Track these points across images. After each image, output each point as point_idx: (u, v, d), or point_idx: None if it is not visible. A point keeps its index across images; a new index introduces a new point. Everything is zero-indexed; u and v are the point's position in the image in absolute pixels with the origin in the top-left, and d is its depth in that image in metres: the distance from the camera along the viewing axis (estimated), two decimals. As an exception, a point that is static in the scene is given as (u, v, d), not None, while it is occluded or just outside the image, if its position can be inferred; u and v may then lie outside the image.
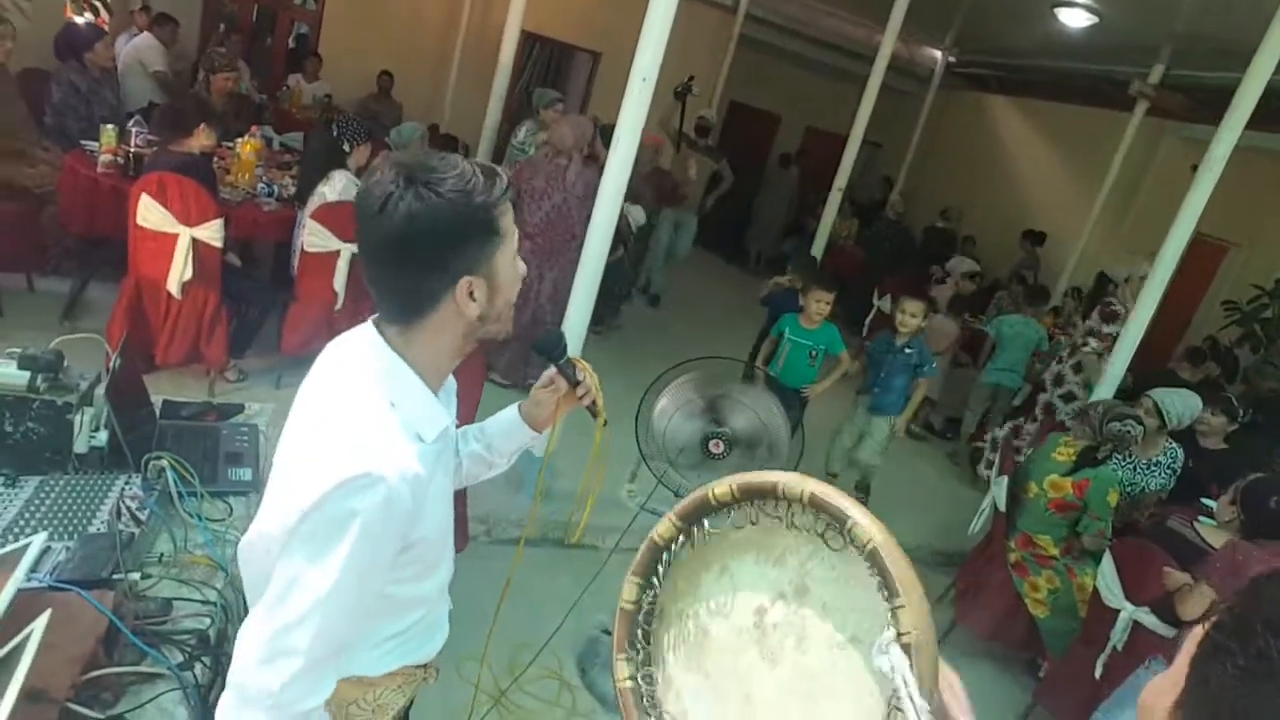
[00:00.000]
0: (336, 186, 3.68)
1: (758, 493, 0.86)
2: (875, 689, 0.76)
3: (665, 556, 0.93)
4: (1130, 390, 4.72)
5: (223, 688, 1.43)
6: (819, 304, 4.02)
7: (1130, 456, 3.68)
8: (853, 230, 9.28)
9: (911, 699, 0.69)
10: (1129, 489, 3.69)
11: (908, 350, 4.10)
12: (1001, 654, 3.64)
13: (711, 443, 2.52)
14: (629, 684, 0.93)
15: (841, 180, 6.63)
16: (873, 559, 0.76)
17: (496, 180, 1.04)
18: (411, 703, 1.36)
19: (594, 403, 1.40)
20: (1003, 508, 3.51)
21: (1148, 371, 5.34)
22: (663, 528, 0.92)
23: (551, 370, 1.39)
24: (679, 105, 6.83)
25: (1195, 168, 3.90)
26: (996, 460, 3.86)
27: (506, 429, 1.43)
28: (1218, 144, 3.85)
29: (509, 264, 1.10)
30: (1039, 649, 3.43)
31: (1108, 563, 2.94)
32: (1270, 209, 6.92)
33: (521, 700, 2.57)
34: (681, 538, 0.92)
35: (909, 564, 0.76)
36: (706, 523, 0.90)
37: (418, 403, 1.08)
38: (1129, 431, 3.32)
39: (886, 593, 0.75)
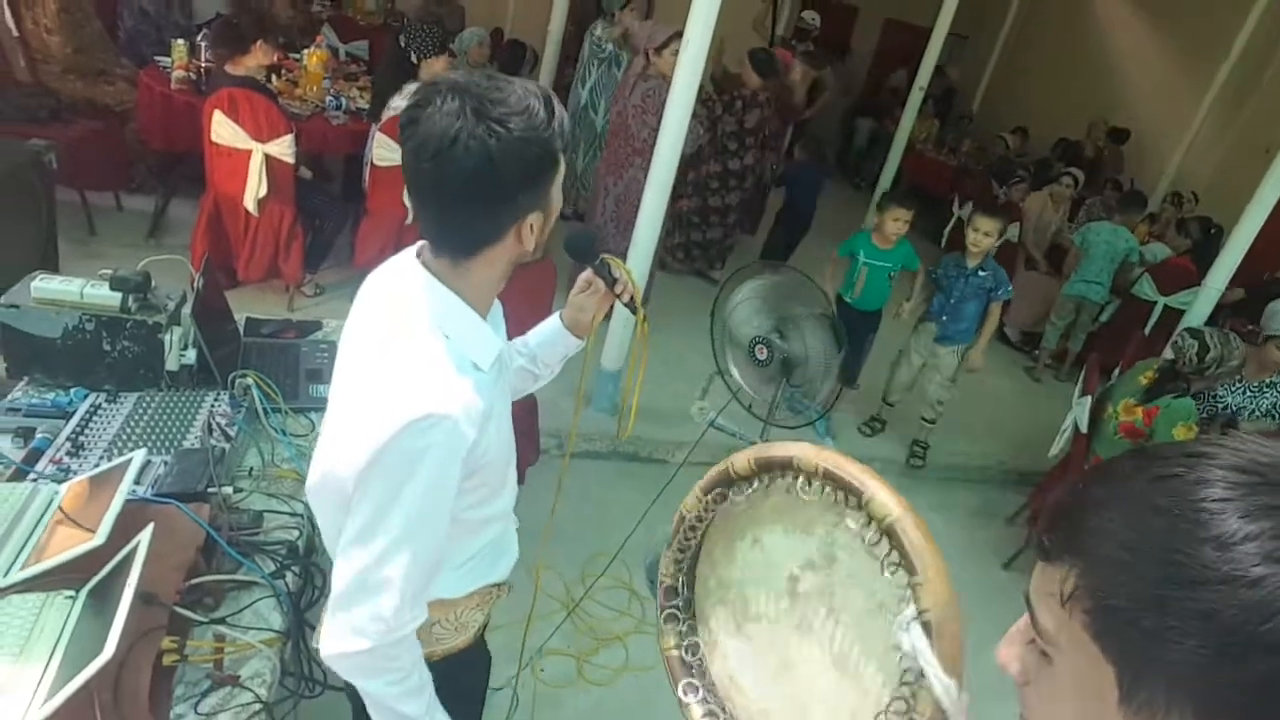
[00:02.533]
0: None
1: (775, 465, 0.87)
2: (901, 658, 0.75)
3: (696, 530, 0.96)
4: (1241, 303, 4.42)
5: (312, 595, 1.53)
6: (896, 222, 3.70)
7: (1235, 381, 3.39)
8: (932, 132, 8.77)
9: (936, 677, 0.69)
10: (1233, 411, 3.44)
11: (981, 273, 3.69)
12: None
13: (757, 347, 2.49)
14: (674, 653, 0.98)
15: (924, 78, 6.25)
16: (889, 534, 0.75)
17: (555, 107, 1.01)
18: (489, 618, 1.41)
19: (632, 299, 1.38)
20: (1084, 428, 3.39)
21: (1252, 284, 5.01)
22: (690, 502, 0.95)
23: (588, 272, 1.37)
24: (769, 6, 6.47)
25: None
26: (1080, 378, 3.71)
27: (550, 339, 1.43)
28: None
29: (557, 193, 1.09)
30: None
31: None
32: None
33: (593, 609, 2.67)
34: (708, 511, 0.94)
35: (928, 538, 0.74)
36: (731, 494, 0.92)
37: (471, 333, 1.09)
38: (1179, 344, 3.13)
39: (905, 569, 0.74)
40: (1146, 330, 5.15)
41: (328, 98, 4.20)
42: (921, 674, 0.71)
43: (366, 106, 4.28)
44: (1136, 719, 0.50)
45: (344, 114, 4.14)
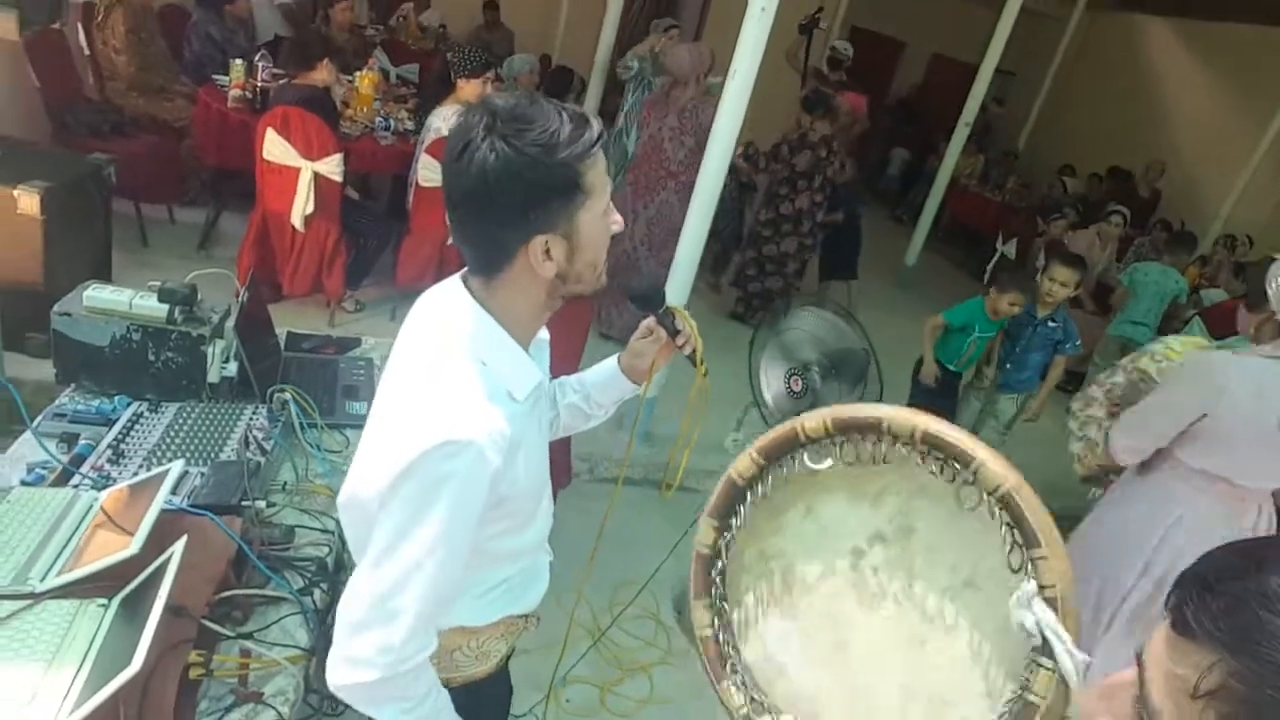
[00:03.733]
0: (450, 120, 3.70)
1: (856, 427, 0.79)
2: (996, 633, 0.70)
3: (748, 496, 0.88)
4: None
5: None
6: (1013, 306, 3.49)
7: None
8: (977, 168, 8.70)
9: (1070, 654, 0.64)
10: None
11: (1051, 323, 3.59)
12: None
13: (793, 378, 2.46)
14: (709, 632, 0.91)
15: (970, 115, 6.21)
16: (1006, 504, 0.69)
17: (586, 132, 0.98)
18: (513, 649, 1.39)
19: (694, 352, 1.35)
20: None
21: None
22: (743, 464, 0.87)
23: (650, 320, 1.35)
24: (804, 40, 6.50)
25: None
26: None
27: (605, 381, 1.41)
28: None
29: (595, 222, 1.04)
30: None
31: None
32: None
33: (619, 638, 2.63)
34: (765, 476, 0.87)
35: (1046, 510, 0.69)
36: (794, 459, 0.84)
37: (508, 361, 1.07)
38: None
39: (1023, 542, 0.68)
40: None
41: (377, 119, 4.29)
42: (1042, 651, 0.66)
43: (414, 128, 4.36)
44: None
45: (392, 135, 4.22)
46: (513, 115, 0.96)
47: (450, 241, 3.85)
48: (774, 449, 0.85)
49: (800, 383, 2.40)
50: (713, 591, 0.90)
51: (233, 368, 1.85)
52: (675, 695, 2.58)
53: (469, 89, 3.84)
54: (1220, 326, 5.03)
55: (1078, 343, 3.68)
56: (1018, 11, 5.85)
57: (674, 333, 1.33)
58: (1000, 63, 6.08)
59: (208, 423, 1.73)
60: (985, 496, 0.70)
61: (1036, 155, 9.52)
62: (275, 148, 3.45)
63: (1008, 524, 0.69)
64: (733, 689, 0.86)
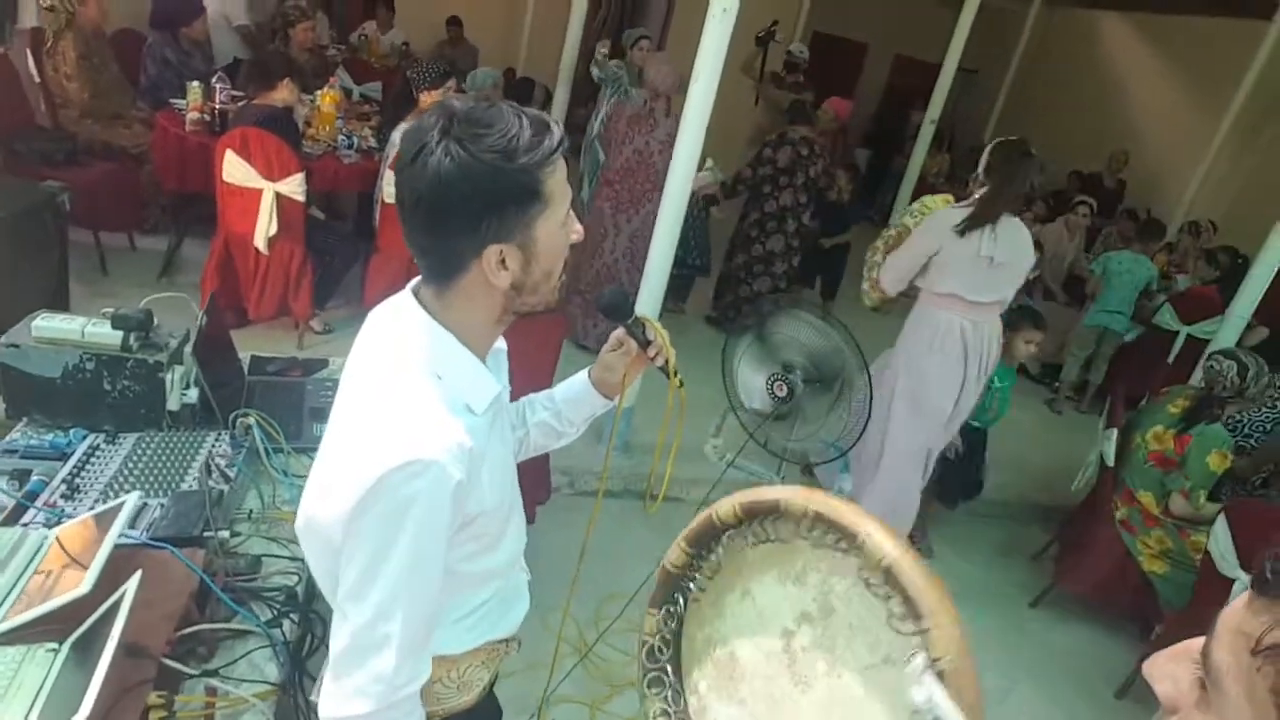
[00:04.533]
0: (412, 134, 3.66)
1: (761, 511, 0.82)
2: (908, 709, 0.69)
3: (686, 584, 0.92)
4: (1265, 343, 4.35)
5: (312, 644, 1.47)
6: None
7: (1266, 405, 3.29)
8: (944, 167, 8.77)
9: None
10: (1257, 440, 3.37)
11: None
12: (1100, 618, 3.46)
13: (775, 385, 2.43)
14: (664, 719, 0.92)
15: (934, 111, 6.25)
16: (888, 577, 0.69)
17: (546, 138, 0.94)
18: (496, 676, 1.33)
19: (666, 363, 1.31)
20: (1111, 462, 3.29)
21: (1274, 314, 4.91)
22: (674, 555, 0.91)
23: (620, 331, 1.31)
24: (761, 52, 6.53)
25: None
26: (1106, 411, 3.62)
27: (576, 397, 1.36)
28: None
29: (554, 232, 1.00)
30: (1151, 612, 3.22)
31: (1221, 525, 2.71)
32: None
33: (605, 653, 2.58)
34: (696, 564, 0.90)
35: (933, 580, 0.68)
36: (723, 542, 0.88)
37: (464, 373, 1.03)
38: (1213, 367, 3.04)
39: (911, 616, 0.68)
40: (1170, 359, 5.06)
41: (340, 137, 4.23)
42: None
43: (378, 145, 4.31)
44: None
45: (355, 153, 4.16)
46: (470, 119, 0.92)
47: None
48: (697, 537, 0.88)
49: (785, 387, 2.36)
50: (665, 680, 0.93)
51: (193, 394, 1.79)
52: (666, 709, 2.53)
53: (430, 100, 3.80)
54: (1190, 312, 5.10)
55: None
56: (977, 9, 5.91)
57: (644, 343, 1.29)
58: (962, 61, 6.13)
59: (168, 452, 1.66)
60: (872, 570, 0.71)
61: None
62: (235, 169, 3.38)
63: (895, 594, 0.69)
64: None
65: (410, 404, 0.97)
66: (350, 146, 4.16)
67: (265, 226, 3.42)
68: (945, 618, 0.67)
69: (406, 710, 1.04)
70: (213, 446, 1.69)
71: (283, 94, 3.67)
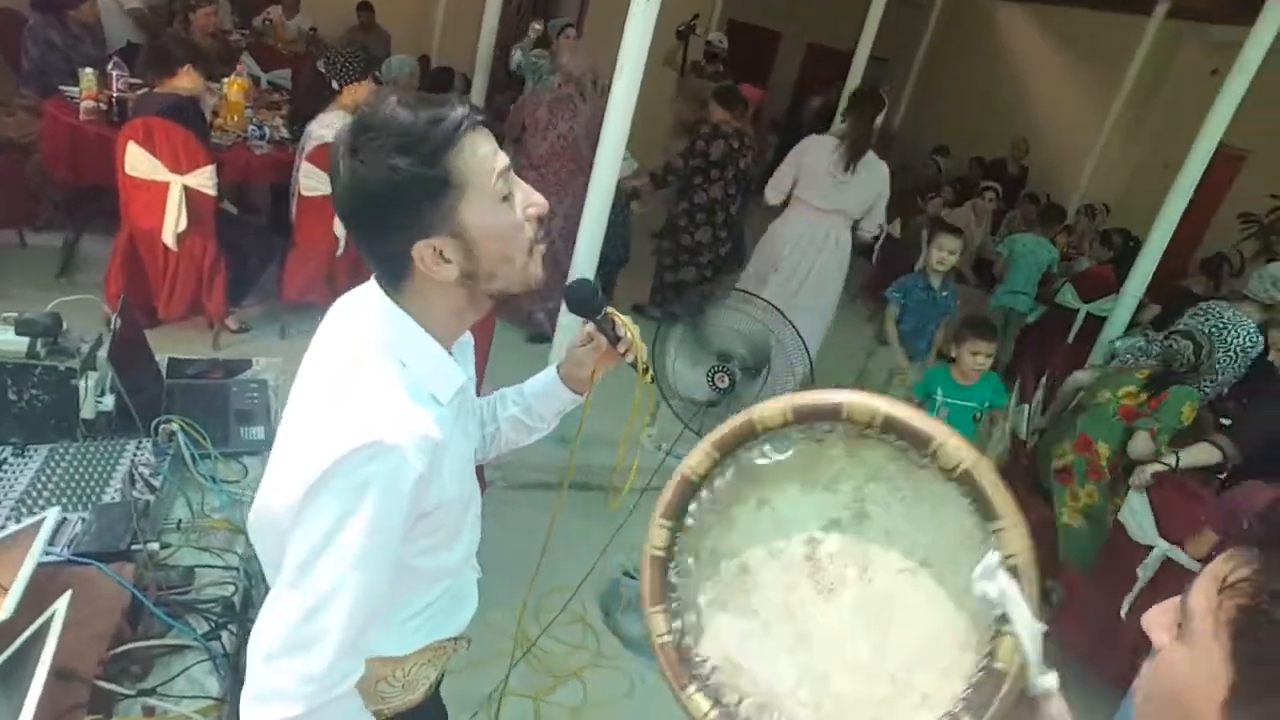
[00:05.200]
0: (333, 128, 3.54)
1: (816, 415, 0.78)
2: (955, 608, 0.72)
3: (701, 494, 0.84)
4: (1158, 318, 4.61)
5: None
6: (975, 356, 3.24)
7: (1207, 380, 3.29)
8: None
9: (1027, 624, 0.66)
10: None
11: (944, 293, 3.76)
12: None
13: (716, 377, 2.47)
14: (668, 639, 0.85)
15: (845, 100, 6.40)
16: (966, 481, 0.71)
17: (442, 122, 0.91)
18: (443, 674, 1.32)
19: (637, 359, 1.31)
20: (1023, 436, 3.46)
21: (1164, 290, 5.25)
22: (696, 460, 0.83)
23: (589, 325, 1.29)
24: (682, 45, 6.57)
25: (1215, 72, 3.74)
26: (1016, 387, 3.80)
27: (545, 391, 1.35)
28: (1250, 46, 3.68)
29: (486, 213, 0.96)
30: (1052, 571, 3.36)
31: (1138, 498, 2.85)
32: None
33: (548, 645, 2.58)
34: (719, 470, 0.83)
35: (1004, 484, 0.71)
36: (752, 450, 0.81)
37: (429, 362, 1.01)
38: (1172, 347, 3.16)
39: (984, 515, 0.70)
40: (1071, 337, 5.35)
41: (250, 127, 4.06)
42: (1003, 620, 0.67)
43: (290, 135, 4.16)
44: None
45: (268, 143, 4.01)
46: (362, 127, 0.92)
47: (340, 253, 3.69)
48: (729, 441, 0.81)
49: (726, 378, 2.40)
50: (669, 596, 0.85)
51: (110, 401, 1.70)
52: (609, 698, 2.55)
53: (350, 94, 3.69)
54: (1089, 291, 5.40)
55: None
56: (885, -3, 6.08)
57: (614, 339, 1.28)
58: (873, 49, 6.29)
59: (86, 463, 1.58)
60: (944, 475, 0.72)
61: (912, 137, 9.93)
62: (139, 162, 3.20)
63: (970, 499, 0.71)
64: (698, 696, 0.81)
65: (373, 389, 0.95)
66: (262, 137, 3.99)
67: (174, 222, 3.26)
68: (1016, 518, 0.69)
69: (340, 709, 0.98)
70: (135, 455, 1.62)
71: (186, 81, 3.48)
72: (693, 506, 0.84)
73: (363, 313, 1.03)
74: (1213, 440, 2.92)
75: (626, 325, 1.30)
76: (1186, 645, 0.54)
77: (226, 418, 1.88)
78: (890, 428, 0.75)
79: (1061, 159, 8.39)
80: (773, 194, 4.15)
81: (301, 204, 3.60)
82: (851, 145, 3.85)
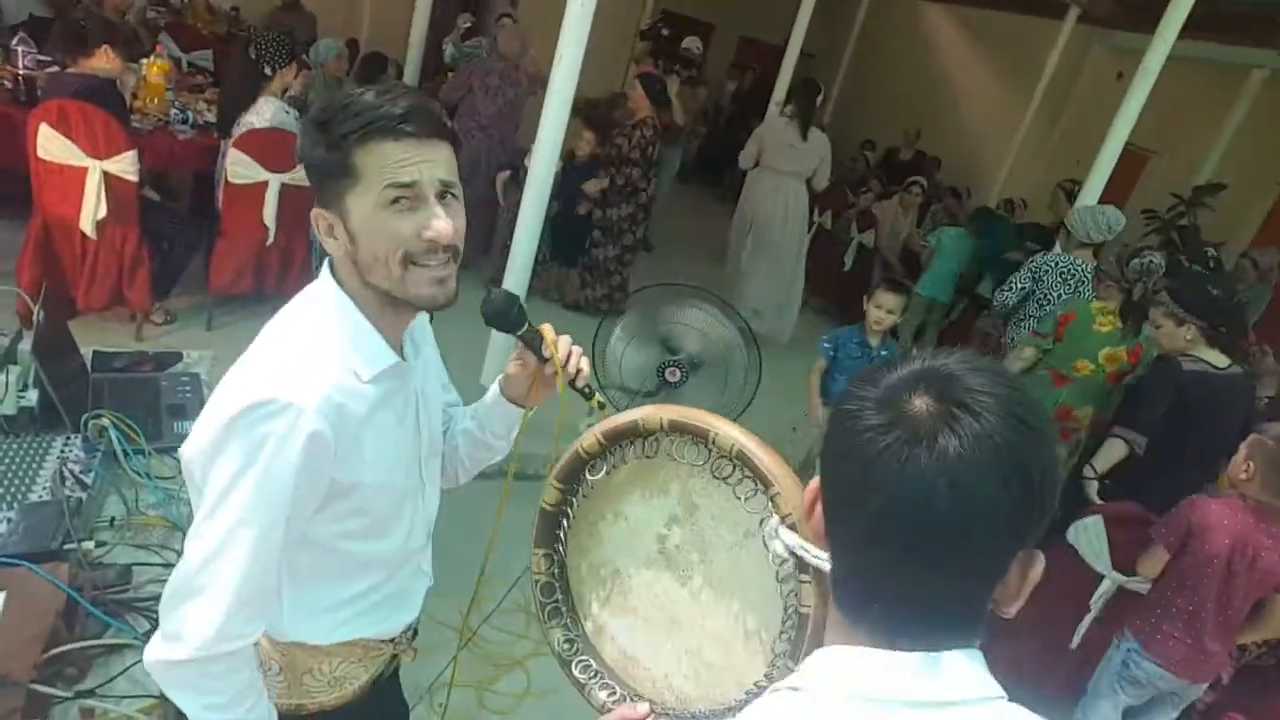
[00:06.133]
0: (265, 114, 3.45)
1: (622, 434, 0.91)
2: (769, 571, 0.82)
3: (562, 519, 0.99)
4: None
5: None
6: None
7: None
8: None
9: (817, 557, 0.74)
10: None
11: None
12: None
13: (667, 371, 2.52)
14: (566, 647, 1.00)
15: (780, 93, 6.51)
16: (741, 460, 0.83)
17: (362, 113, 0.94)
18: (381, 675, 1.28)
19: (584, 382, 1.19)
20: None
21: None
22: (549, 494, 0.98)
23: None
24: (649, 45, 6.56)
25: (1120, 76, 3.93)
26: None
27: (490, 406, 1.29)
28: (1152, 52, 3.89)
29: (368, 213, 0.97)
30: None
31: (1096, 524, 2.73)
32: (1189, 117, 7.09)
33: (489, 634, 2.59)
34: (568, 499, 0.98)
35: (774, 454, 0.82)
36: (588, 476, 0.95)
37: (355, 336, 1.03)
38: (1151, 261, 3.17)
39: (761, 485, 0.82)
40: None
41: (172, 111, 3.91)
42: (799, 567, 0.77)
43: (215, 120, 4.02)
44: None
45: (191, 128, 3.86)
46: (320, 101, 1.01)
47: (269, 243, 3.60)
48: (568, 472, 0.96)
49: (677, 372, 2.45)
50: (562, 611, 1.01)
51: (33, 396, 1.64)
52: (553, 684, 2.57)
53: (280, 80, 3.59)
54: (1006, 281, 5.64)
55: None
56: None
57: (542, 359, 1.18)
58: (803, 45, 6.41)
59: (8, 461, 1.53)
60: (727, 459, 0.84)
61: (840, 132, 10.15)
62: (53, 145, 3.05)
63: (746, 475, 0.83)
64: (596, 689, 0.96)
65: (286, 350, 0.99)
66: (185, 121, 3.85)
67: (92, 209, 3.12)
68: (786, 480, 0.80)
69: (227, 669, 1.00)
70: (63, 451, 1.56)
71: (102, 62, 3.30)
72: (561, 533, 0.99)
73: (310, 289, 1.07)
74: (1114, 434, 3.02)
75: (551, 345, 1.17)
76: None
77: (158, 412, 1.83)
78: (677, 429, 0.87)
79: (983, 155, 8.71)
80: (744, 161, 5.41)
81: (229, 192, 3.49)
82: (801, 120, 5.06)
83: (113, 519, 1.51)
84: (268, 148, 3.42)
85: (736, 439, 0.82)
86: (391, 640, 1.26)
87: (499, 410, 1.27)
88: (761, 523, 0.81)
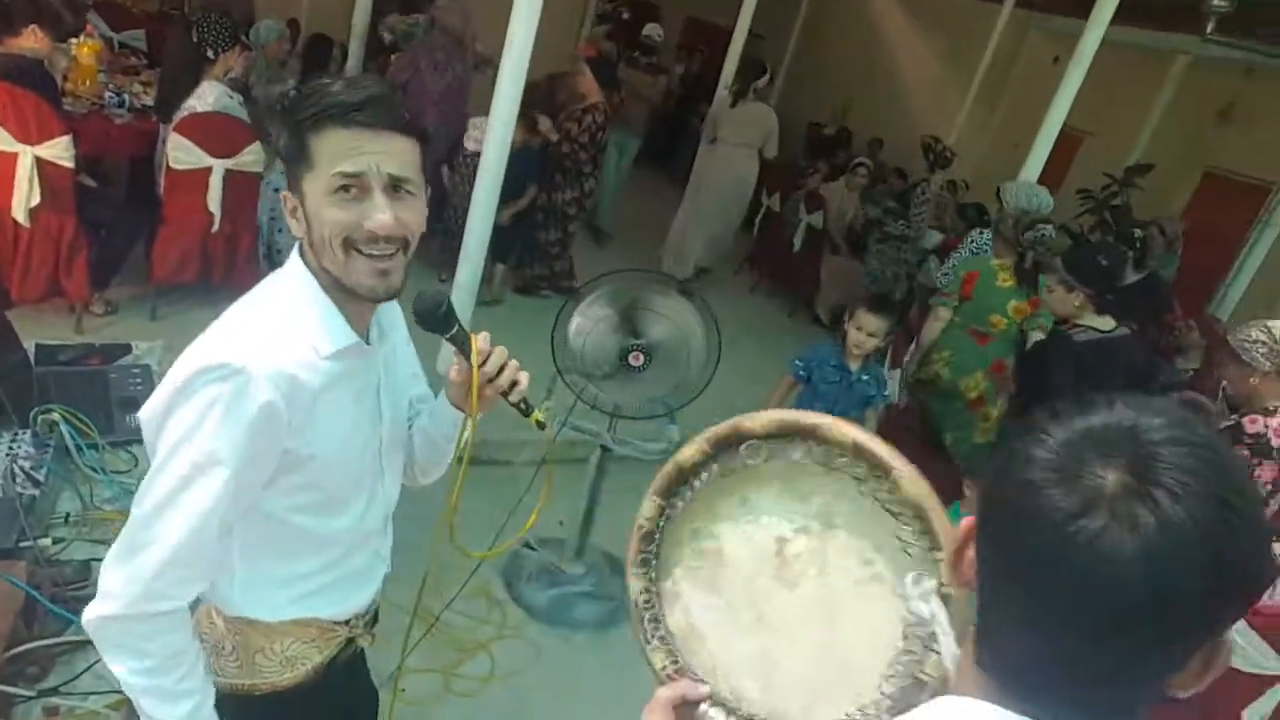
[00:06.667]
0: (208, 98, 3.35)
1: (795, 431, 0.89)
2: (895, 619, 0.82)
3: (693, 480, 0.95)
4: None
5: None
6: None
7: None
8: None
9: (949, 649, 0.76)
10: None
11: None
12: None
13: (631, 355, 2.54)
14: (643, 597, 0.97)
15: (729, 76, 6.54)
16: (919, 513, 0.82)
17: (324, 101, 0.97)
18: (336, 658, 1.26)
19: (518, 396, 1.17)
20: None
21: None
22: (691, 451, 0.94)
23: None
24: (607, 28, 6.49)
25: (1057, 60, 4.05)
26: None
27: (436, 408, 1.27)
28: (1087, 38, 4.03)
29: (318, 199, 0.99)
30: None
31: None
32: (1121, 100, 7.34)
33: (452, 619, 2.60)
34: (709, 464, 0.94)
35: (943, 514, 0.81)
36: (741, 451, 0.92)
37: (315, 312, 1.05)
38: (1044, 234, 3.40)
39: (931, 545, 0.81)
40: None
41: (107, 93, 3.77)
42: (933, 638, 0.78)
43: (153, 103, 3.90)
44: None
45: (128, 112, 3.73)
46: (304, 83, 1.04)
47: (215, 230, 3.52)
48: (720, 440, 0.92)
49: (640, 357, 2.48)
50: (651, 563, 0.96)
51: (-24, 392, 1.60)
52: (518, 667, 2.61)
53: (222, 64, 3.49)
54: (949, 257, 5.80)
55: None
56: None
57: (474, 365, 1.13)
58: (751, 26, 6.45)
59: (-45, 459, 1.49)
60: (900, 503, 0.83)
61: (786, 113, 10.23)
62: (-20, 130, 2.94)
63: (921, 530, 0.82)
64: (658, 651, 0.93)
65: (243, 321, 1.02)
66: (121, 105, 3.72)
67: (25, 196, 3.01)
68: (949, 548, 0.78)
69: (156, 630, 1.00)
70: (12, 448, 1.53)
71: (30, 41, 3.16)
72: (685, 490, 0.95)
73: (283, 269, 1.09)
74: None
75: (476, 355, 1.12)
76: None
77: (109, 405, 1.80)
78: (860, 454, 0.85)
79: (929, 134, 8.87)
80: (707, 134, 6.04)
81: (171, 177, 3.39)
82: (735, 94, 5.75)
83: (68, 515, 1.49)
84: (211, 132, 3.33)
85: (919, 491, 0.81)
86: (346, 623, 1.25)
87: (445, 411, 1.24)
88: (914, 579, 0.80)
